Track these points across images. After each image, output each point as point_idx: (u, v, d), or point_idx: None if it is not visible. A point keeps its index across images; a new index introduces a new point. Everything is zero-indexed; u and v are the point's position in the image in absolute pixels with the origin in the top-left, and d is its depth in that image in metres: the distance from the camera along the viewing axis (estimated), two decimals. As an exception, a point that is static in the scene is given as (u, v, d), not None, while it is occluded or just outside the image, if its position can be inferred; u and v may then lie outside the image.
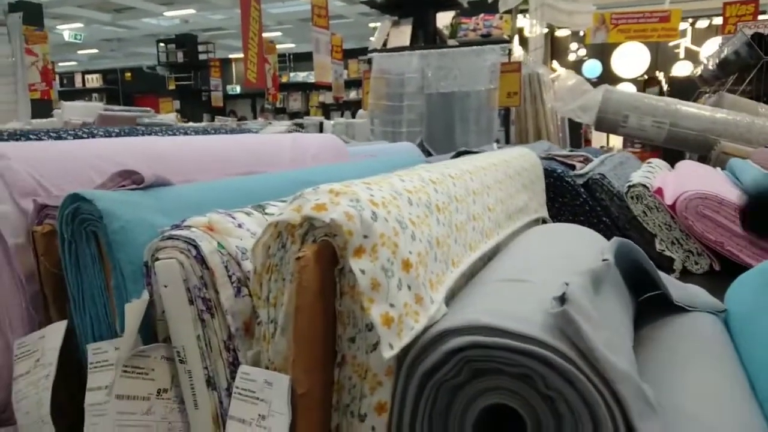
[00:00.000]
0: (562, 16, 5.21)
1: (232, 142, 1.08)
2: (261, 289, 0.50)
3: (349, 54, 9.41)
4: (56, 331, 0.60)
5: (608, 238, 1.28)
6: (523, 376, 0.44)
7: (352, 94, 11.04)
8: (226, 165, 0.94)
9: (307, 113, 11.81)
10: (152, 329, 0.54)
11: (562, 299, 0.46)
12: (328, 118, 8.03)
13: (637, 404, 0.41)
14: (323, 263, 0.45)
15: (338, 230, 0.44)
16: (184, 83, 11.42)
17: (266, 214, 0.61)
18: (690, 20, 7.73)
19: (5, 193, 0.63)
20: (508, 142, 3.51)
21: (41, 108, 6.51)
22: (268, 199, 0.69)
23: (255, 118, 10.90)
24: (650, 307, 0.70)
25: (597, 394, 0.41)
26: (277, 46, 10.18)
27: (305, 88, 12.35)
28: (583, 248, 0.70)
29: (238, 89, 13.02)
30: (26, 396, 0.59)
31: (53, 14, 9.30)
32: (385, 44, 4.23)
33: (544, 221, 1.19)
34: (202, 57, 11.42)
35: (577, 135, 6.70)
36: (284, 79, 12.21)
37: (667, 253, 1.26)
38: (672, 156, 2.86)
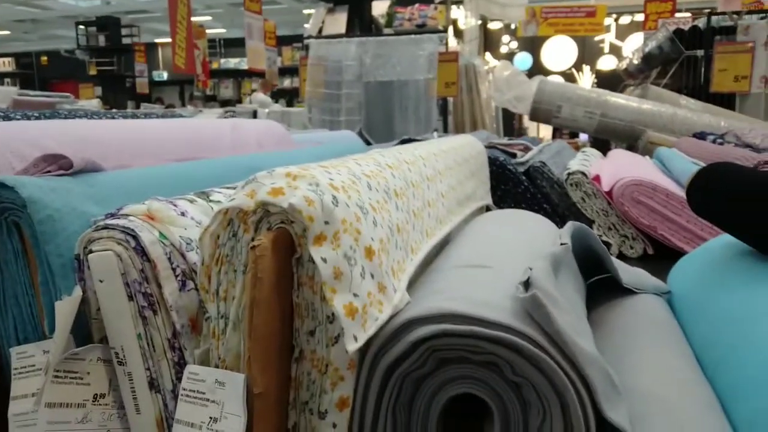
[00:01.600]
0: (496, 9, 5.30)
1: (167, 126, 1.01)
2: (209, 282, 0.46)
3: (282, 41, 9.20)
4: (-28, 334, 0.53)
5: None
6: (489, 364, 0.43)
7: (286, 82, 10.83)
8: (162, 150, 0.88)
9: (239, 101, 11.49)
10: (86, 329, 0.49)
11: (527, 284, 0.45)
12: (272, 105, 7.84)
13: (604, 387, 0.41)
14: (280, 252, 0.42)
15: (297, 216, 0.41)
16: (106, 68, 10.80)
17: (211, 201, 0.57)
18: (614, 16, 8.08)
19: None
20: (446, 131, 3.54)
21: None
22: (211, 185, 0.65)
23: (183, 105, 10.48)
24: (599, 290, 0.71)
25: (566, 379, 0.40)
26: (207, 31, 9.81)
27: (237, 75, 12.01)
28: (535, 232, 0.70)
29: (165, 75, 12.48)
30: (-63, 408, 0.52)
31: (-44, -10, 8.56)
32: (320, 32, 4.17)
33: (488, 208, 1.19)
34: (125, 41, 10.83)
35: (510, 125, 6.88)
36: (215, 66, 11.81)
37: (604, 238, 1.30)
38: (599, 146, 2.99)
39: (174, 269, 0.48)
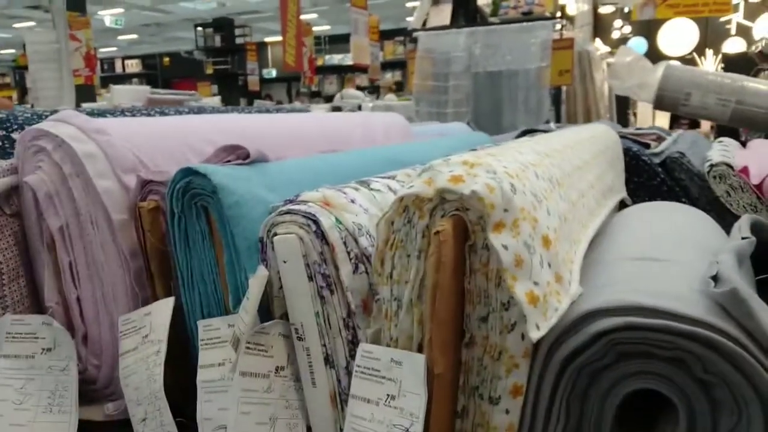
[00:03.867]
0: (609, -8, 5.01)
1: (306, 120, 1.06)
2: (383, 266, 0.48)
3: (384, 35, 9.31)
4: (164, 307, 0.59)
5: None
6: (676, 360, 0.41)
7: (388, 76, 10.94)
8: (308, 143, 0.92)
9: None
10: (266, 306, 0.53)
11: (715, 278, 0.43)
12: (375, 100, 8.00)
13: (811, 391, 0.38)
14: (459, 238, 0.43)
15: (477, 204, 0.41)
16: (222, 67, 11.50)
17: (372, 189, 0.59)
18: (742, -8, 7.37)
19: (108, 169, 0.63)
20: (558, 122, 3.42)
21: (85, 93, 6.63)
22: (361, 175, 0.67)
23: (291, 101, 10.93)
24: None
25: (761, 377, 0.38)
26: (313, 28, 10.14)
27: (340, 71, 12.31)
28: (693, 224, 0.66)
29: (273, 73, 13.05)
30: (135, 372, 0.59)
31: (94, 0, 9.45)
32: (424, 24, 4.16)
33: (623, 202, 1.14)
34: (238, 41, 11.46)
35: (624, 114, 6.51)
36: (320, 62, 12.20)
37: (752, 235, 1.19)
38: (725, 135, 2.74)
39: (348, 252, 0.50)
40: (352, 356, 0.50)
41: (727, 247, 0.48)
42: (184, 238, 0.57)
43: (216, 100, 4.54)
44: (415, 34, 3.53)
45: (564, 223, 0.51)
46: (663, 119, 6.50)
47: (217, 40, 11.30)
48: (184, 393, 0.58)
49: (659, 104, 2.64)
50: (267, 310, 0.53)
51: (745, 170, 1.24)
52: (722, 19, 7.69)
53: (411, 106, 3.81)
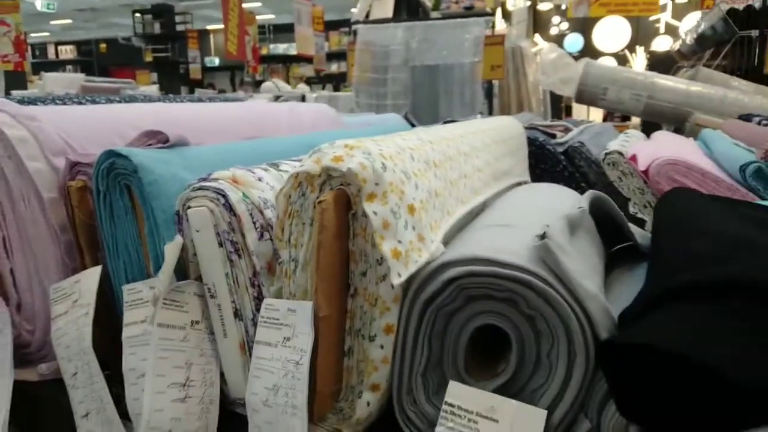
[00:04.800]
0: (545, -11, 5.22)
1: (235, 109, 1.13)
2: (283, 233, 0.57)
3: (330, 26, 9.31)
4: (92, 275, 0.66)
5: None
6: (508, 300, 0.52)
7: (333, 67, 10.95)
8: (233, 130, 1.00)
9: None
10: (183, 270, 0.61)
11: (543, 236, 0.54)
12: (319, 91, 7.98)
13: (603, 319, 0.50)
14: (339, 207, 0.52)
15: (353, 179, 0.51)
16: (161, 55, 11.19)
17: (281, 170, 0.68)
18: (671, -6, 7.78)
19: (38, 152, 0.69)
20: (491, 114, 3.58)
21: (15, 80, 6.35)
22: (276, 158, 0.76)
23: (234, 91, 10.76)
24: (622, 257, 0.79)
25: (570, 311, 0.49)
26: (257, 17, 10.02)
27: (286, 60, 12.21)
28: (561, 200, 0.78)
29: (216, 62, 12.80)
30: (66, 333, 0.66)
31: (25, -18, 9.01)
32: (367, 16, 4.24)
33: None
34: (179, 28, 11.18)
35: (557, 108, 6.79)
36: (264, 51, 12.06)
37: (640, 215, 1.35)
38: (651, 128, 2.96)
39: (254, 222, 0.59)
40: (258, 310, 0.59)
41: (562, 215, 0.59)
42: (110, 213, 0.65)
43: (153, 89, 4.48)
44: (354, 26, 3.61)
45: (435, 197, 0.61)
46: (598, 114, 6.82)
47: (157, 27, 11.01)
48: (109, 351, 0.65)
49: (580, 98, 2.84)
50: (184, 274, 0.61)
51: (633, 158, 1.40)
52: (651, 18, 8.11)
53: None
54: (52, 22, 12.51)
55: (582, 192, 1.42)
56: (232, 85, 12.72)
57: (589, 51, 8.78)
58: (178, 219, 0.60)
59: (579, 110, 7.38)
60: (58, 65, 12.97)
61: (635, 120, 5.37)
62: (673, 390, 0.39)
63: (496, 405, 0.52)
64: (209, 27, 12.52)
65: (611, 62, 8.64)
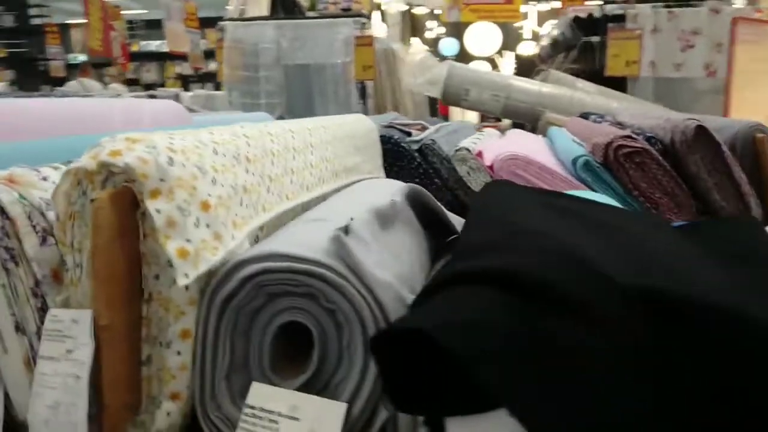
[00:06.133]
0: (418, -6, 5.38)
1: (54, 104, 1.04)
2: (65, 236, 0.52)
3: (207, 23, 8.94)
4: None
5: (440, 197, 1.41)
6: (308, 295, 0.51)
7: (213, 65, 10.54)
8: (47, 126, 0.91)
9: (163, 85, 11.10)
10: (-47, 283, 0.54)
11: (346, 230, 0.54)
12: (187, 90, 7.61)
13: (397, 309, 0.50)
14: (120, 206, 0.49)
15: (132, 174, 0.48)
16: (18, 50, 10.14)
17: (77, 168, 0.63)
18: (534, 3, 8.35)
19: None
20: (365, 114, 3.62)
21: None
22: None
23: (103, 88, 10.03)
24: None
25: (363, 302, 0.49)
26: (125, 12, 9.39)
27: (160, 57, 11.57)
28: (386, 195, 0.80)
29: (80, 58, 11.84)
30: None
31: None
32: (243, 13, 4.13)
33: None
34: (35, 21, 10.19)
35: (433, 109, 7.03)
36: (135, 48, 11.34)
37: (487, 208, 1.42)
38: (520, 127, 3.16)
39: (34, 226, 0.54)
40: (43, 322, 0.53)
41: (371, 208, 0.60)
42: None
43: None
44: (220, 24, 3.49)
45: (244, 193, 0.60)
46: (474, 114, 7.14)
47: (9, 20, 9.96)
48: None
49: (445, 99, 2.96)
50: (-45, 287, 0.54)
51: (480, 154, 1.47)
52: (516, 25, 8.66)
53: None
54: None
55: (437, 188, 1.47)
56: (102, 83, 11.82)
57: (464, 55, 9.21)
58: (-57, 226, 0.53)
59: (455, 112, 7.70)
60: None
61: (507, 120, 5.72)
62: (428, 375, 0.41)
63: (297, 403, 0.51)
64: (71, 21, 11.55)
65: (484, 65, 9.14)
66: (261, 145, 0.69)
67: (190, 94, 5.09)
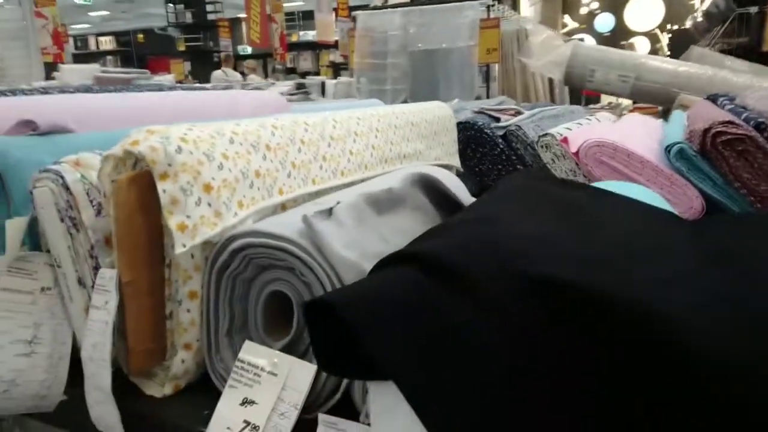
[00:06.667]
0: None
1: (164, 98, 1.22)
2: (109, 210, 0.65)
3: (357, 11, 9.33)
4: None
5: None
6: (290, 268, 0.59)
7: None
8: (149, 119, 1.08)
9: (318, 73, 11.79)
10: (39, 243, 0.70)
11: (330, 212, 0.60)
12: (337, 77, 8.02)
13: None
14: (139, 186, 0.60)
15: (145, 160, 0.58)
16: (194, 44, 11.46)
17: (138, 154, 0.76)
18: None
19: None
20: (488, 97, 3.58)
21: (54, 71, 6.66)
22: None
23: (266, 78, 10.94)
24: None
25: (326, 276, 0.55)
26: (286, 5, 10.12)
27: (315, 47, 12.30)
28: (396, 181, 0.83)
29: (249, 50, 13.00)
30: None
31: (62, -23, 9.35)
32: (387, 1, 4.27)
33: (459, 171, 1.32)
34: (210, 17, 11.41)
35: (577, 93, 6.66)
36: (294, 39, 12.19)
37: (572, 196, 1.37)
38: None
39: (91, 201, 0.67)
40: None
41: (360, 193, 0.65)
42: (-15, 193, 0.74)
43: (169, 78, 4.63)
44: (353, 13, 3.65)
45: (255, 177, 0.68)
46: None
47: (188, 17, 11.27)
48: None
49: (568, 81, 2.82)
50: (40, 247, 0.70)
51: (565, 140, 1.42)
52: (686, -5, 7.81)
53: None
54: (91, 14, 12.94)
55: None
56: (264, 72, 12.91)
57: (621, 30, 8.55)
58: (32, 198, 0.68)
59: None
60: (98, 56, 13.43)
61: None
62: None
63: (278, 361, 0.58)
64: (241, 15, 12.70)
65: (643, 42, 8.41)
66: (289, 135, 0.77)
67: (334, 81, 5.38)
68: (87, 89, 1.41)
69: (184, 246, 0.58)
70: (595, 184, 0.81)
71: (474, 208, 0.64)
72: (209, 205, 0.61)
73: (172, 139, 0.60)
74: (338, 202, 0.62)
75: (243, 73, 8.02)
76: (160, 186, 0.58)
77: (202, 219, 0.59)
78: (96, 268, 0.67)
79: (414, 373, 0.39)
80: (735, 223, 0.59)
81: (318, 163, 0.81)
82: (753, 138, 1.16)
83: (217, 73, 5.51)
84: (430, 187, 0.76)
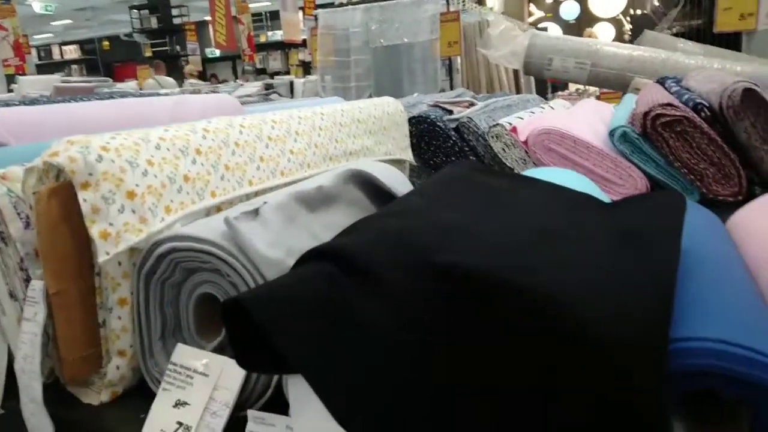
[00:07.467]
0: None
1: (109, 105, 1.21)
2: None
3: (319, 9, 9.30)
4: None
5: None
6: (216, 270, 0.59)
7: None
8: (93, 128, 1.07)
9: (287, 72, 11.74)
10: (-29, 259, 0.69)
11: (256, 212, 0.61)
12: (307, 75, 7.98)
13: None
14: (60, 197, 0.60)
15: (65, 171, 0.58)
16: (160, 49, 11.31)
17: (69, 164, 0.75)
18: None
19: None
20: (452, 89, 3.60)
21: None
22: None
23: (236, 80, 10.85)
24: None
25: (249, 275, 0.56)
26: (252, 5, 10.04)
27: (285, 47, 12.23)
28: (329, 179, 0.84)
29: (217, 52, 12.88)
30: None
31: (20, -14, 9.14)
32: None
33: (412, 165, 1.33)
34: (176, 21, 11.28)
35: (542, 81, 6.73)
36: (262, 39, 12.11)
37: (524, 184, 1.40)
38: None
39: (19, 213, 0.67)
40: (28, 290, 0.67)
41: (290, 192, 0.66)
42: None
43: (131, 84, 4.58)
44: (314, 11, 3.64)
45: (183, 182, 0.68)
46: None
47: (154, 22, 11.12)
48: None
49: (527, 70, 2.85)
50: (-28, 262, 0.70)
51: (514, 129, 1.44)
52: (646, -20, 7.94)
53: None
54: (53, 23, 12.69)
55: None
56: (234, 74, 12.81)
57: (586, 17, 8.67)
58: (-41, 214, 0.68)
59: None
60: (63, 65, 13.19)
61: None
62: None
63: (209, 362, 0.59)
64: (207, 18, 12.57)
65: (608, 28, 8.53)
66: (222, 138, 0.77)
67: (302, 80, 5.37)
68: (33, 101, 1.39)
69: (108, 254, 0.58)
70: (526, 172, 0.83)
71: (400, 201, 0.65)
72: (133, 211, 0.61)
73: (93, 149, 0.60)
74: (265, 203, 0.62)
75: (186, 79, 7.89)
76: (81, 195, 0.58)
77: (125, 226, 0.60)
78: (27, 281, 0.67)
79: (319, 366, 0.40)
80: (644, 203, 0.62)
81: (255, 164, 0.82)
82: (690, 119, 1.20)
83: (149, 82, 5.35)
84: (365, 183, 0.77)
